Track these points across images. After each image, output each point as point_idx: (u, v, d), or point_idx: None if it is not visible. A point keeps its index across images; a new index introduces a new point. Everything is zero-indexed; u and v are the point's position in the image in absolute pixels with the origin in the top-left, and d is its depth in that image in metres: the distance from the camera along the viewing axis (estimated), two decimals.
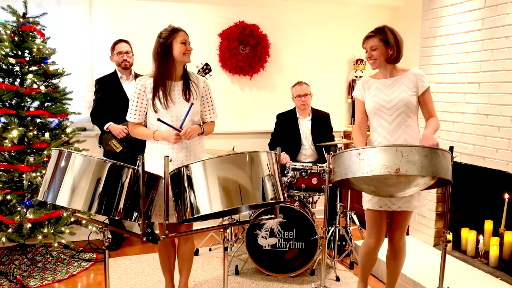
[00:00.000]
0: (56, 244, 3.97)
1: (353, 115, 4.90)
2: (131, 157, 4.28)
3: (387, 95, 2.98)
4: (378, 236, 3.09)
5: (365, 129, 3.17)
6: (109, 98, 4.49)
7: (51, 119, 4.12)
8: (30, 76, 3.93)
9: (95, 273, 4.04)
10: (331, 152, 2.79)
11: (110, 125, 4.37)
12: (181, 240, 3.18)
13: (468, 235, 4.10)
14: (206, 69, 4.50)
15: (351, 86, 5.72)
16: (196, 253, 4.42)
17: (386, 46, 2.96)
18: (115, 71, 4.58)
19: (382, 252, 3.27)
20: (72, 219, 4.10)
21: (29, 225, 3.76)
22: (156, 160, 2.98)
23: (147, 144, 3.10)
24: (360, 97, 3.12)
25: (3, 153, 3.88)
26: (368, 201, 3.04)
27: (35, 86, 3.99)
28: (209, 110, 3.18)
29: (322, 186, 3.96)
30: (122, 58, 4.48)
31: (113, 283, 3.81)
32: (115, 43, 4.51)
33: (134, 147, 4.32)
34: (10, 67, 3.96)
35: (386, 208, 2.99)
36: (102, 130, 4.44)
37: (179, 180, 2.34)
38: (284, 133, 4.60)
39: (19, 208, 3.80)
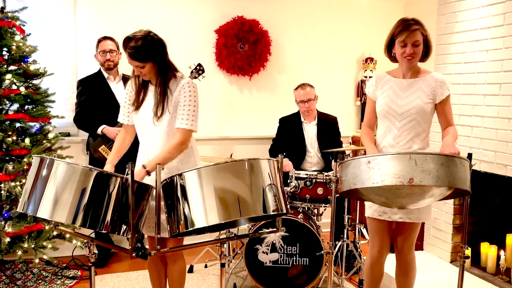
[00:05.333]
0: (37, 260, 3.95)
1: (362, 119, 4.91)
2: (122, 164, 4.27)
3: (400, 99, 2.98)
4: (381, 246, 3.12)
5: (374, 128, 3.20)
6: (96, 100, 4.47)
7: (31, 123, 4.11)
8: (8, 76, 3.93)
9: None
10: (338, 160, 2.79)
11: (105, 128, 4.37)
12: (168, 261, 3.15)
13: (488, 250, 4.10)
14: (198, 70, 4.51)
15: (360, 87, 5.73)
16: (191, 270, 4.42)
17: (424, 42, 2.92)
18: (100, 71, 4.58)
19: (393, 268, 3.27)
20: (54, 233, 4.09)
21: (7, 239, 3.75)
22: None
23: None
24: (371, 95, 3.12)
25: None
26: (368, 208, 3.09)
27: (14, 87, 4.00)
28: (180, 113, 2.87)
29: (329, 197, 3.96)
30: (105, 57, 4.48)
31: None
32: (99, 41, 4.51)
33: (126, 154, 4.29)
34: None
35: (386, 218, 3.02)
36: (93, 135, 4.44)
37: (172, 190, 2.35)
38: (287, 138, 4.60)
39: None
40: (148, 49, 2.77)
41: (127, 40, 2.77)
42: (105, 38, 4.51)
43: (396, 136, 2.99)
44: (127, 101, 3.06)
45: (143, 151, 3.04)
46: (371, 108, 3.14)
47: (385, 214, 3.01)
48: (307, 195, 3.98)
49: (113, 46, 4.52)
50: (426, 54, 2.98)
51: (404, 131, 2.97)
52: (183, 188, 2.30)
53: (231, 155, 4.65)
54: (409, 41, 2.87)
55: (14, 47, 3.98)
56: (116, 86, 4.56)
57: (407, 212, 2.98)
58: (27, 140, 4.00)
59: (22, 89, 3.99)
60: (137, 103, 2.97)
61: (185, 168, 2.66)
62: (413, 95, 2.96)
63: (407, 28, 2.87)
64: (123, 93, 4.50)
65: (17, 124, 4.06)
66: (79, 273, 4.36)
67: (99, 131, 4.37)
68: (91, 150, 4.44)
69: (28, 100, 4.08)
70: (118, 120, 3.16)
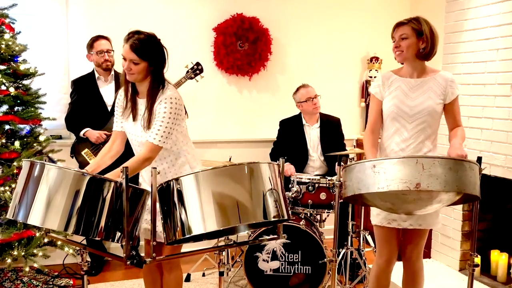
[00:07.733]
0: (27, 269, 3.95)
1: (367, 121, 4.92)
2: (110, 169, 4.26)
3: (410, 100, 2.97)
4: (389, 255, 3.11)
5: (379, 133, 3.16)
6: (85, 101, 4.49)
7: (21, 126, 4.11)
8: None
9: None
10: (341, 164, 2.79)
11: (87, 131, 4.37)
12: (164, 270, 3.15)
13: (498, 258, 4.10)
14: (196, 70, 4.49)
15: (365, 87, 5.73)
16: (188, 278, 4.42)
17: (418, 37, 2.93)
18: (93, 71, 4.58)
19: (398, 277, 3.27)
20: (45, 240, 4.09)
21: None
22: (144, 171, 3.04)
23: None
24: (378, 95, 3.10)
25: None
26: (375, 216, 3.07)
27: (3, 87, 3.99)
28: (154, 127, 2.83)
29: (332, 202, 3.96)
30: (103, 58, 4.47)
31: None
32: (94, 40, 4.49)
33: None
34: None
35: (396, 225, 3.02)
36: (78, 138, 4.44)
37: (168, 195, 2.34)
38: (289, 142, 4.60)
39: None
40: (151, 47, 2.83)
41: (135, 32, 2.85)
42: (100, 37, 4.50)
43: (406, 139, 2.99)
44: (119, 108, 3.07)
45: None
46: (377, 108, 3.12)
47: (395, 222, 3.00)
48: (309, 201, 3.98)
49: (109, 45, 4.51)
50: (429, 52, 2.97)
51: (415, 133, 2.97)
52: (179, 193, 2.29)
53: (230, 158, 4.65)
54: (396, 35, 2.98)
55: (3, 46, 3.98)
56: (106, 87, 4.55)
57: (417, 218, 2.97)
58: (17, 143, 3.99)
59: (12, 89, 3.99)
60: (127, 116, 2.98)
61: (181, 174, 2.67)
62: (423, 96, 2.96)
63: (396, 24, 3.00)
64: (112, 95, 4.51)
65: (6, 127, 4.05)
66: (71, 282, 4.35)
67: (81, 133, 4.38)
68: (75, 153, 4.43)
69: (18, 101, 4.07)
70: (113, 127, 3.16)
